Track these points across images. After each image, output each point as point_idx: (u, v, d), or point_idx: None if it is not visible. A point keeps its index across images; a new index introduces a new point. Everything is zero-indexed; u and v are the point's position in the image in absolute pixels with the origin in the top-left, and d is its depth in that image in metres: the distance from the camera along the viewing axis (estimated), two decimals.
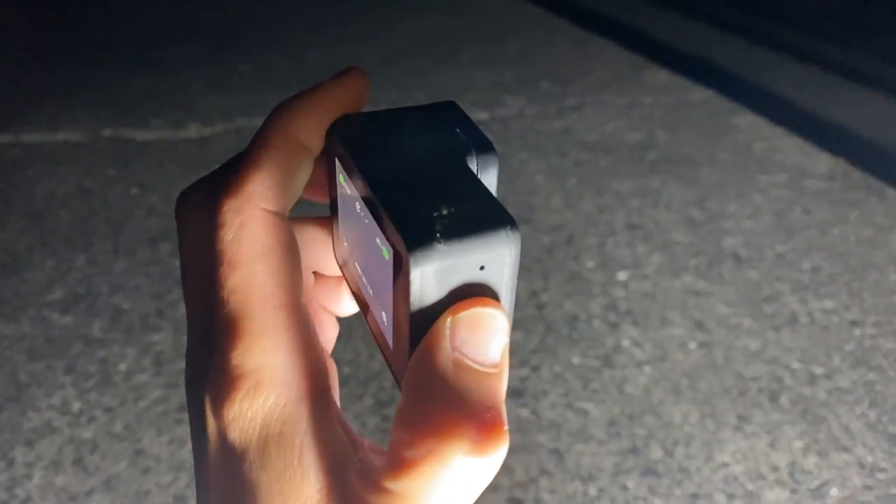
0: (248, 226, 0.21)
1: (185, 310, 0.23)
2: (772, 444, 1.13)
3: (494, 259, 0.20)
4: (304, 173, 0.24)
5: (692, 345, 1.32)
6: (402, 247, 0.20)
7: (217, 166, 0.25)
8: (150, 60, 2.50)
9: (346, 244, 0.26)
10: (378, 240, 0.22)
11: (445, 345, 0.20)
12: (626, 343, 1.32)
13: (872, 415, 1.18)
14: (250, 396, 0.20)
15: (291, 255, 0.22)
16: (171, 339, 1.33)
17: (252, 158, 0.22)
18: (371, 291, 0.24)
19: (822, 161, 1.90)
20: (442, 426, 0.19)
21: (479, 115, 2.14)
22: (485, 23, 2.93)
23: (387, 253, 0.21)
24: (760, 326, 1.36)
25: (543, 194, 1.76)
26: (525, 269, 1.50)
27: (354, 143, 0.23)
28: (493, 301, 0.21)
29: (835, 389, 1.23)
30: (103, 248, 1.56)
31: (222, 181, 0.22)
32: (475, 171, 0.23)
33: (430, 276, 0.20)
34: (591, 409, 1.20)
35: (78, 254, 1.54)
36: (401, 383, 0.22)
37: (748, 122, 2.10)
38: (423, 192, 0.21)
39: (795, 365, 1.28)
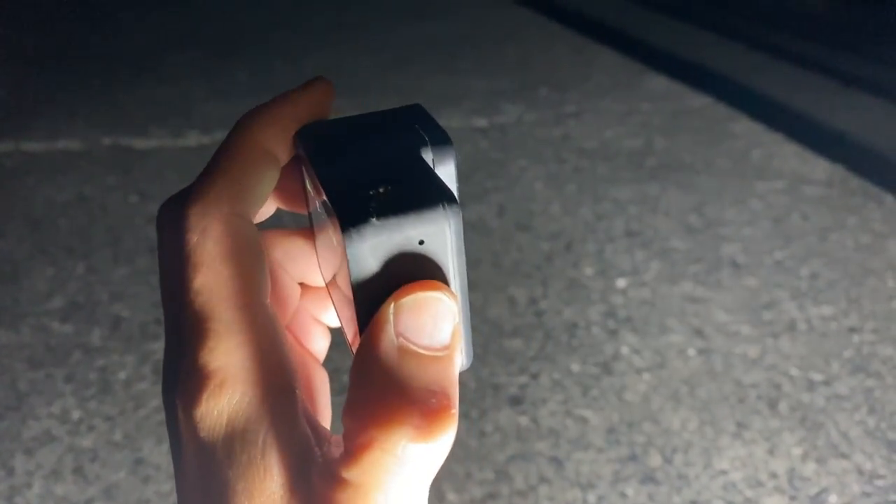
0: (211, 229, 0.22)
1: (164, 317, 0.23)
2: (770, 451, 1.13)
3: (433, 233, 0.20)
4: (269, 179, 0.24)
5: (691, 352, 1.32)
6: (337, 227, 0.20)
7: None
8: (149, 69, 2.51)
9: (323, 253, 0.26)
10: (331, 229, 0.21)
11: (389, 331, 0.20)
12: (625, 350, 1.32)
13: (871, 421, 1.18)
14: (216, 395, 0.20)
15: (255, 257, 0.22)
16: None
17: (216, 166, 0.23)
18: (334, 274, 0.24)
19: (820, 167, 1.91)
20: (385, 414, 0.19)
21: (477, 123, 2.14)
22: (483, 30, 2.94)
23: (335, 239, 0.21)
24: (759, 333, 1.36)
25: (542, 201, 1.77)
26: (524, 275, 1.50)
27: (314, 147, 0.24)
28: (438, 284, 0.21)
29: (833, 396, 1.23)
30: (103, 256, 1.56)
31: (189, 189, 0.23)
32: (430, 163, 0.23)
33: (366, 254, 0.20)
34: (591, 417, 1.20)
35: (77, 262, 1.54)
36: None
37: (746, 129, 2.11)
38: (365, 177, 0.21)
39: (794, 372, 1.28)
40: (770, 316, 1.40)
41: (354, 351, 0.22)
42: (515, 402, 1.22)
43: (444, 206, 0.20)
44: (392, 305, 0.20)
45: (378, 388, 0.19)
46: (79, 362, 1.30)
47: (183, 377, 0.21)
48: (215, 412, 0.20)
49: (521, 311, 1.42)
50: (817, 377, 1.27)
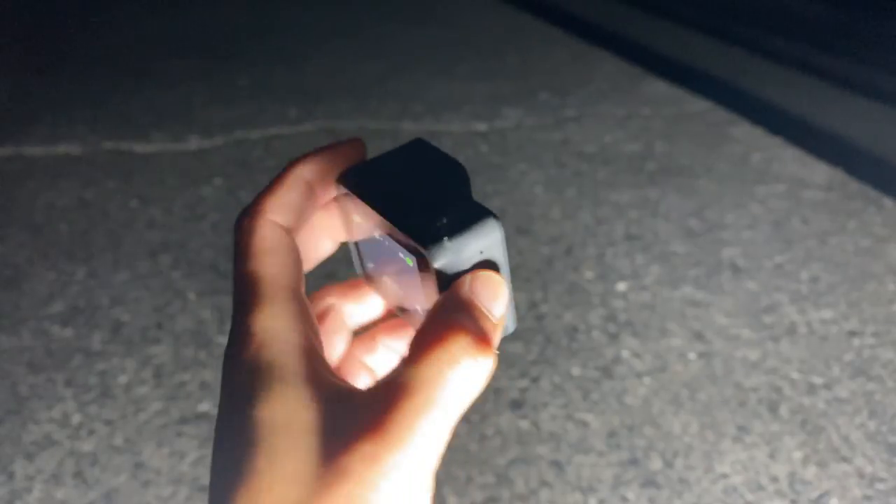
0: (258, 229, 0.29)
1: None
2: (771, 455, 1.13)
3: (489, 244, 0.28)
4: (306, 202, 0.31)
5: (691, 355, 1.32)
6: (422, 252, 0.27)
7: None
8: (149, 73, 2.51)
9: (371, 265, 0.33)
10: (401, 254, 0.29)
11: (465, 288, 0.27)
12: (625, 354, 1.32)
13: (872, 425, 1.18)
14: (260, 349, 0.25)
15: (292, 255, 0.29)
16: (170, 351, 1.33)
17: (267, 188, 0.30)
18: (402, 293, 0.31)
19: (819, 171, 1.91)
20: (449, 331, 0.25)
21: (477, 127, 2.15)
22: (483, 35, 2.94)
23: (410, 261, 0.28)
24: (759, 337, 1.36)
25: (542, 205, 1.77)
26: (524, 280, 1.51)
27: (360, 186, 0.31)
28: (499, 275, 0.28)
29: (834, 400, 1.23)
30: (103, 260, 1.56)
31: (250, 203, 0.31)
32: (452, 182, 0.30)
33: (447, 266, 0.27)
34: (591, 421, 1.20)
35: (78, 266, 1.54)
36: None
37: (746, 133, 2.11)
38: (422, 211, 0.28)
39: (795, 375, 1.28)
40: (770, 319, 1.40)
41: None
42: (516, 405, 1.22)
43: (493, 222, 0.28)
44: (468, 276, 0.27)
45: (450, 315, 0.26)
46: (79, 366, 1.30)
47: (233, 338, 0.27)
48: (256, 363, 0.25)
49: (522, 314, 1.42)
50: (818, 381, 1.27)
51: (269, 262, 0.28)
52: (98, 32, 2.91)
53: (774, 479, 1.10)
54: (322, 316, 0.34)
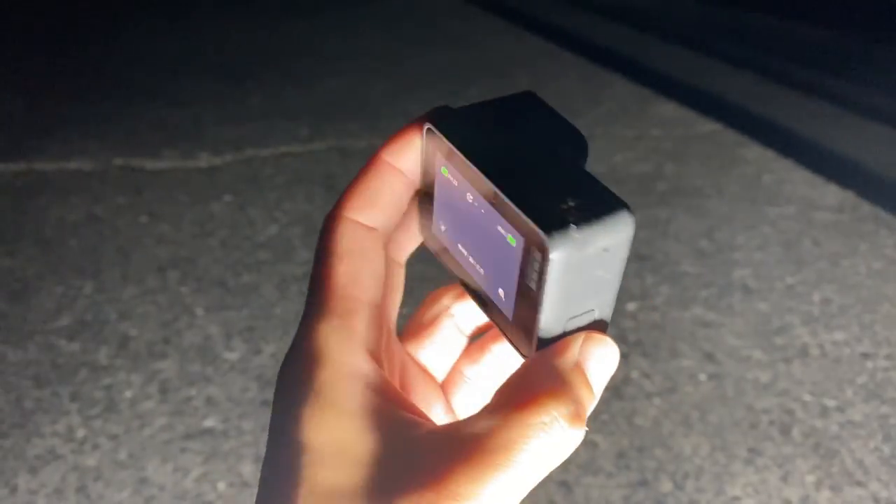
0: (334, 231, 0.26)
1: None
2: (784, 478, 1.11)
3: (617, 242, 0.24)
4: (394, 190, 0.28)
5: (702, 376, 1.30)
6: (540, 237, 0.23)
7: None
8: (161, 92, 2.53)
9: (444, 229, 0.29)
10: (500, 228, 0.25)
11: (576, 349, 0.24)
12: (635, 374, 1.31)
13: (886, 449, 1.16)
14: (317, 366, 0.24)
15: (372, 261, 0.26)
16: (177, 366, 1.32)
17: (351, 182, 0.27)
18: (482, 271, 0.27)
19: (830, 193, 1.90)
20: (553, 392, 0.23)
21: None
22: (494, 57, 2.96)
23: (513, 240, 0.24)
24: (771, 358, 1.34)
25: None
26: None
27: (461, 138, 0.26)
28: (613, 342, 0.25)
29: (847, 423, 1.21)
30: (112, 275, 1.56)
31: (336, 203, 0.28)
32: (570, 154, 0.26)
33: (566, 259, 0.23)
34: (600, 441, 1.18)
35: (86, 281, 1.54)
36: (519, 348, 0.26)
37: (756, 155, 2.11)
38: (542, 186, 0.24)
39: (807, 397, 1.26)
40: (782, 341, 1.38)
41: (496, 320, 0.27)
42: None
43: (628, 216, 0.24)
44: (583, 336, 0.25)
45: (545, 382, 0.23)
46: (85, 380, 1.29)
47: (293, 348, 0.25)
48: (311, 382, 0.23)
49: None
50: (830, 403, 1.25)
51: (342, 269, 0.26)
52: (110, 50, 2.94)
53: (787, 503, 1.08)
54: (432, 323, 0.31)
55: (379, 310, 0.26)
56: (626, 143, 2.19)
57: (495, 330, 0.32)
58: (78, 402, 1.25)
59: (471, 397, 0.32)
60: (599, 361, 0.25)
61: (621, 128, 2.28)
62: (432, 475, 0.21)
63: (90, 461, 1.14)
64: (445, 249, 0.29)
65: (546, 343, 0.25)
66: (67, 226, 1.74)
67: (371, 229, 0.27)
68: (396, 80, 2.67)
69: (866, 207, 1.83)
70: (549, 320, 0.25)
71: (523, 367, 0.24)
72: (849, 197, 1.88)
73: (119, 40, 3.07)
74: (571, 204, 0.23)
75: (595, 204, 0.24)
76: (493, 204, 0.25)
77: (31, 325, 1.42)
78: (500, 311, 0.27)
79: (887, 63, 2.81)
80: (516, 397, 0.23)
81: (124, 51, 2.95)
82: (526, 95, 0.28)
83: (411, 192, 0.28)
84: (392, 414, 0.23)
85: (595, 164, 2.05)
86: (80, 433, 1.19)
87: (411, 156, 0.27)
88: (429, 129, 0.27)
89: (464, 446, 0.22)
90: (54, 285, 1.53)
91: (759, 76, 2.73)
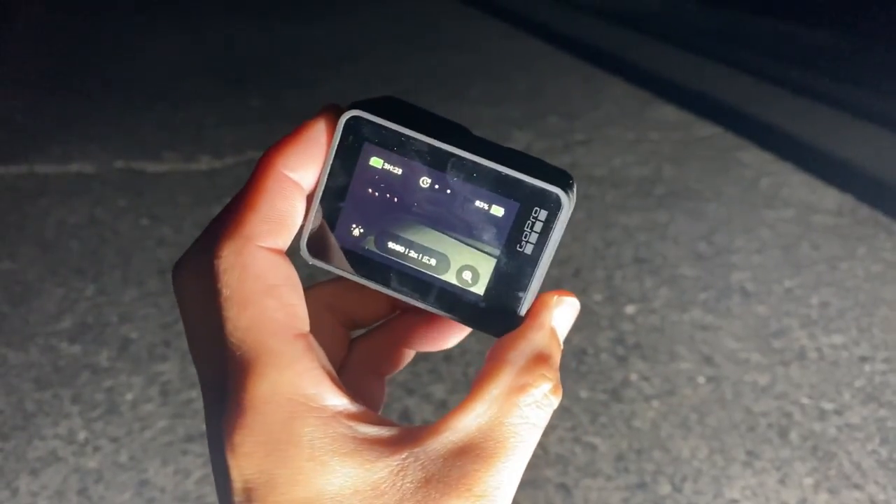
0: (251, 265, 0.22)
1: (198, 376, 0.24)
2: (782, 481, 1.12)
3: (573, 204, 0.25)
4: (299, 209, 0.24)
5: (701, 379, 1.31)
6: (552, 192, 0.24)
7: (226, 198, 0.27)
8: (162, 95, 2.54)
9: (356, 231, 0.26)
10: (480, 202, 0.24)
11: (549, 318, 0.26)
12: (634, 377, 1.31)
13: (884, 452, 1.17)
14: (291, 420, 0.22)
15: (296, 290, 0.23)
16: (178, 369, 1.33)
17: (246, 201, 0.23)
18: (433, 261, 0.26)
19: (829, 196, 1.90)
20: (540, 370, 0.24)
21: None
22: (493, 60, 2.97)
23: (499, 209, 0.24)
24: (769, 361, 1.35)
25: None
26: None
27: (400, 121, 0.25)
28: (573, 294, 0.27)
29: (845, 426, 1.22)
30: (113, 277, 1.57)
31: (216, 231, 0.23)
32: (473, 136, 0.27)
33: (569, 212, 0.25)
34: (599, 444, 1.19)
35: (87, 283, 1.55)
36: (490, 327, 0.26)
37: (755, 158, 2.11)
38: (505, 156, 0.25)
39: (805, 400, 1.27)
40: (780, 344, 1.39)
41: (470, 322, 0.27)
42: None
43: (573, 182, 0.25)
44: (554, 300, 0.26)
45: (531, 359, 0.24)
46: (86, 383, 1.30)
47: (229, 417, 0.22)
48: (288, 440, 0.21)
49: None
50: (828, 406, 1.25)
51: (271, 306, 0.22)
52: (113, 54, 2.94)
53: None
54: (317, 325, 0.27)
55: (313, 341, 0.24)
56: (625, 146, 2.19)
57: (406, 330, 0.30)
58: (79, 405, 1.25)
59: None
60: (568, 321, 0.26)
61: (620, 130, 2.29)
62: (464, 483, 0.22)
63: (91, 463, 1.15)
64: (353, 254, 0.26)
65: (526, 309, 0.26)
66: (68, 228, 1.75)
67: (279, 252, 0.24)
68: (395, 82, 2.68)
69: (865, 211, 1.84)
70: (538, 283, 0.26)
71: (503, 348, 0.25)
72: (847, 200, 1.88)
73: (120, 43, 3.07)
74: (552, 168, 0.25)
75: (555, 169, 0.25)
76: (467, 180, 0.24)
77: (32, 328, 1.42)
78: (458, 298, 0.26)
79: (886, 67, 2.81)
80: (505, 381, 0.24)
81: (125, 54, 2.96)
82: (390, 98, 0.27)
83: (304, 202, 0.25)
84: (372, 442, 0.22)
85: (594, 168, 2.06)
86: (82, 435, 1.20)
87: (314, 163, 0.24)
88: (355, 118, 0.24)
89: (479, 448, 0.23)
90: (55, 287, 1.53)
91: (758, 80, 2.74)
